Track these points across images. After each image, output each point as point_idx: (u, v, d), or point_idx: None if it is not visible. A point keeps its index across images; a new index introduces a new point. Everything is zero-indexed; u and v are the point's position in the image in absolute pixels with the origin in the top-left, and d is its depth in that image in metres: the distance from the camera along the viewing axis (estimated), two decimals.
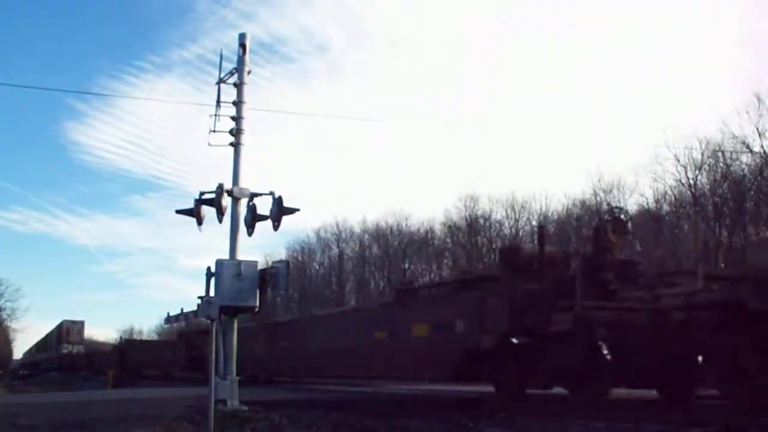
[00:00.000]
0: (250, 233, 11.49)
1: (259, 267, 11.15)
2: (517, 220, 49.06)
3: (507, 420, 9.86)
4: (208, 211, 11.64)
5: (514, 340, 11.61)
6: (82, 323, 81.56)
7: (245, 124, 11.43)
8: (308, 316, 22.17)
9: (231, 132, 11.29)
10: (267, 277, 10.56)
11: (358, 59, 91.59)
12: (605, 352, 10.58)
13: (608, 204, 43.01)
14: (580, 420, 9.40)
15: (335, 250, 61.76)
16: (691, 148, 37.34)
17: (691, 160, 37.75)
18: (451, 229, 52.25)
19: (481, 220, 50.24)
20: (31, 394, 22.67)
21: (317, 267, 64.60)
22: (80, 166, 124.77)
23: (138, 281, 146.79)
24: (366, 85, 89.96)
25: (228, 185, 11.40)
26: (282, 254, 60.24)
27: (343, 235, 60.99)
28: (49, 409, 12.45)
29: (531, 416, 10.08)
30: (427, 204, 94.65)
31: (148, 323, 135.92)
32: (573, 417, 9.69)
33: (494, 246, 49.34)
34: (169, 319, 32.16)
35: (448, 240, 53.31)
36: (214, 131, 11.22)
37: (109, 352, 50.32)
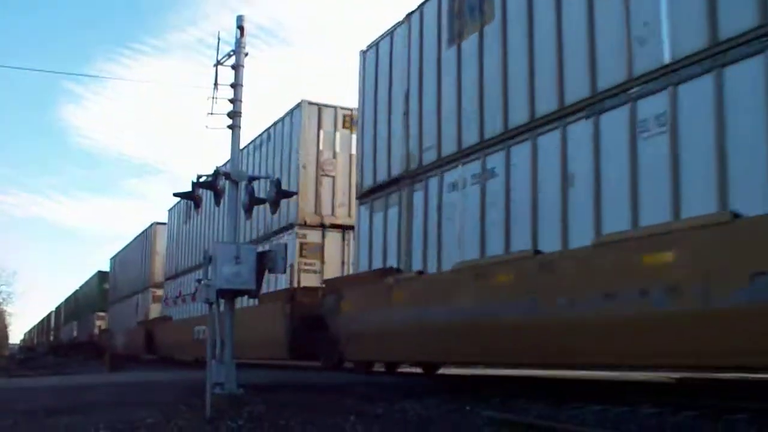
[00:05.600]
0: (247, 217, 11.48)
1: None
2: None
3: (503, 402, 9.90)
4: (206, 195, 11.61)
5: None
6: None
7: (243, 107, 11.37)
8: None
9: (228, 115, 11.24)
10: (265, 260, 10.55)
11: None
12: None
13: None
14: (574, 404, 9.45)
15: None
16: None
17: None
18: None
19: None
20: (28, 378, 22.69)
21: None
22: (77, 149, 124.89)
23: None
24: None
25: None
26: None
27: None
28: (46, 393, 12.47)
29: (526, 399, 10.13)
30: None
31: None
32: (566, 399, 9.75)
33: None
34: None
35: None
36: (212, 114, 11.17)
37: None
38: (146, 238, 38.18)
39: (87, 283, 56.46)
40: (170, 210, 33.32)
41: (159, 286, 34.87)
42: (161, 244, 34.87)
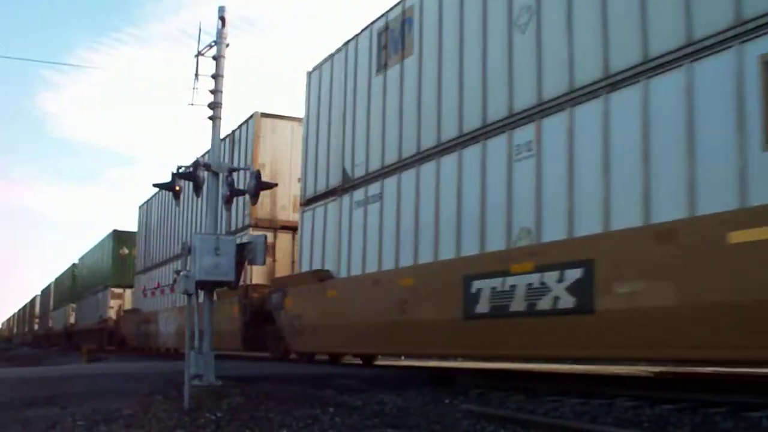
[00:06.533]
0: (227, 208, 11.45)
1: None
2: None
3: (482, 396, 9.94)
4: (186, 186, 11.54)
5: None
6: None
7: (223, 98, 11.33)
8: None
9: (209, 105, 11.19)
10: (244, 252, 10.53)
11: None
12: None
13: None
14: (553, 397, 9.50)
15: None
16: None
17: None
18: None
19: None
20: (2, 369, 22.51)
21: None
22: (58, 138, 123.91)
23: None
24: None
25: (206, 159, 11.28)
26: None
27: None
28: (22, 384, 12.34)
29: (505, 392, 10.17)
30: None
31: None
32: (543, 392, 9.80)
33: None
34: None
35: None
36: (193, 104, 11.13)
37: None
38: (239, 142, 20.09)
39: (94, 250, 40.51)
40: (311, 72, 17.10)
41: (266, 225, 18.89)
42: (276, 146, 19.07)
